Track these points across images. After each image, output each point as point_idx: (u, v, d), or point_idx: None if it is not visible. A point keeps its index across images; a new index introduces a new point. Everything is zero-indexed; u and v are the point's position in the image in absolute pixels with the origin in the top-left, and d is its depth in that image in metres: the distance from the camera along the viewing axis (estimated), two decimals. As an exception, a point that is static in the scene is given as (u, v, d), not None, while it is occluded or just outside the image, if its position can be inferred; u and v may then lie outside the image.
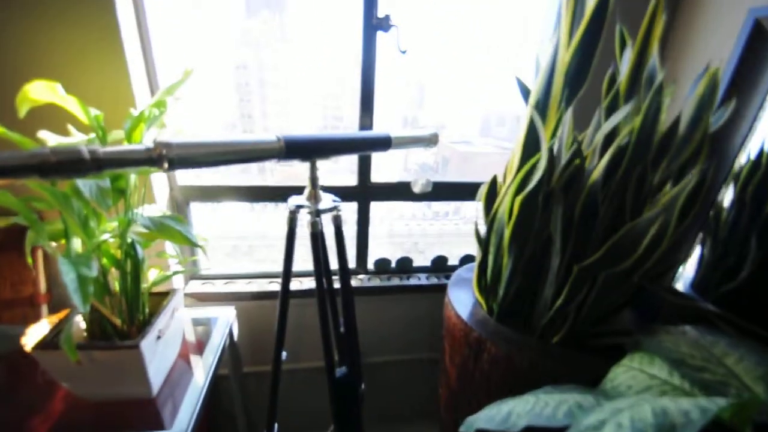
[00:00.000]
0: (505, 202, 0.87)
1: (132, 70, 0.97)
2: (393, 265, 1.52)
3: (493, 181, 0.99)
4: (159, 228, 0.74)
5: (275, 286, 1.37)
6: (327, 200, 0.79)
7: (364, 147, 0.76)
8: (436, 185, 1.38)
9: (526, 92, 0.90)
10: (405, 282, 1.46)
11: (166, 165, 0.49)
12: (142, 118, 0.71)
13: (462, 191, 1.49)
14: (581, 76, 0.79)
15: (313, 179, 0.76)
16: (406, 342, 1.55)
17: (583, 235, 0.81)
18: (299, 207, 0.79)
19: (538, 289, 0.90)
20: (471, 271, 1.20)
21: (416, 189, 0.94)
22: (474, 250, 1.59)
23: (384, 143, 0.77)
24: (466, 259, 1.62)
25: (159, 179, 1.14)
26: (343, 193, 1.23)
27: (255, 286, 1.35)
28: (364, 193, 1.36)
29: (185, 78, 0.76)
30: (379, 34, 1.13)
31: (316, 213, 0.78)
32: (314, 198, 0.77)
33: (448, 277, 1.53)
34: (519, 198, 0.80)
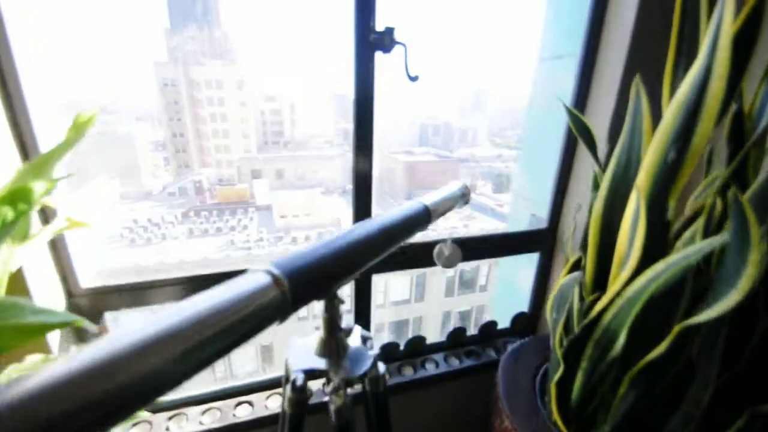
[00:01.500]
0: (618, 302, 0.64)
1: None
2: (402, 347, 1.25)
3: (576, 263, 0.79)
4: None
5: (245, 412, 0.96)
6: (360, 357, 0.49)
7: (403, 233, 0.53)
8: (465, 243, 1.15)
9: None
10: (424, 373, 1.14)
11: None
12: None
13: (500, 245, 1.25)
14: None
15: (332, 321, 0.49)
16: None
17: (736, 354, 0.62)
18: (309, 374, 0.49)
19: (663, 425, 0.67)
20: (526, 353, 0.96)
21: (441, 262, 0.72)
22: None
23: (423, 219, 0.57)
24: (519, 326, 1.34)
25: (40, 276, 0.77)
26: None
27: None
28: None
29: (80, 132, 0.49)
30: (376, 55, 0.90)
31: (344, 384, 0.49)
32: (336, 357, 0.49)
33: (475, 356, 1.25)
34: (645, 294, 0.58)
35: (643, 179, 0.61)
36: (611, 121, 1.08)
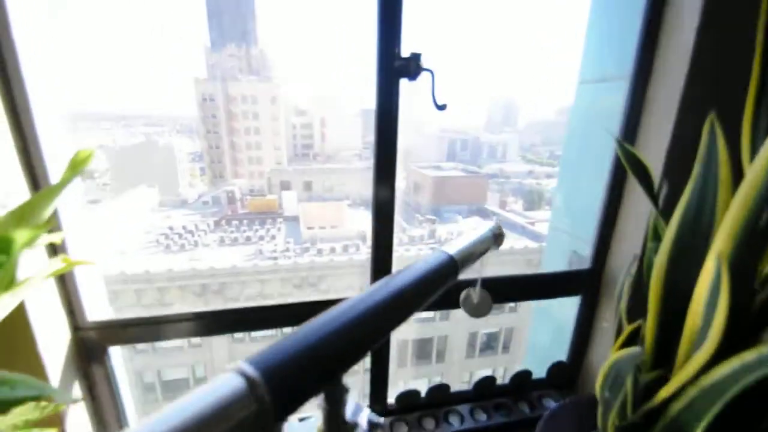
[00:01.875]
0: (690, 392, 0.51)
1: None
2: (423, 395, 1.12)
3: (634, 333, 0.67)
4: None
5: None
6: None
7: (424, 295, 0.45)
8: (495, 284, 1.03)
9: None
10: (447, 429, 1.04)
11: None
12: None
13: (537, 287, 1.15)
14: None
15: (334, 413, 0.38)
16: None
17: None
18: None
19: None
20: (567, 419, 0.83)
21: (468, 309, 0.65)
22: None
23: (449, 272, 0.49)
24: (556, 378, 1.20)
25: (44, 311, 0.74)
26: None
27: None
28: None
29: (77, 171, 0.45)
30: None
31: None
32: None
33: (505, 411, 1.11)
34: (731, 390, 0.46)
35: (724, 243, 0.50)
36: (666, 157, 0.94)
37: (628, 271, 0.85)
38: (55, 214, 0.74)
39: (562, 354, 1.26)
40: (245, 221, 20.58)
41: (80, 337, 0.84)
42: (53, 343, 0.76)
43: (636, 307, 0.73)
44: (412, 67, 0.81)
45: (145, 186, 25.18)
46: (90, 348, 0.85)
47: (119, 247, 16.44)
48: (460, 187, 23.25)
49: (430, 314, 16.78)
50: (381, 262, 1.00)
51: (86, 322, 0.84)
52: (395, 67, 0.82)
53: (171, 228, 18.95)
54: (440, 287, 0.48)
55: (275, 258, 15.07)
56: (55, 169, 0.75)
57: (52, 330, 0.77)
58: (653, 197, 0.73)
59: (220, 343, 13.91)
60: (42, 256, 0.74)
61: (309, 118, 70.28)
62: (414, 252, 15.13)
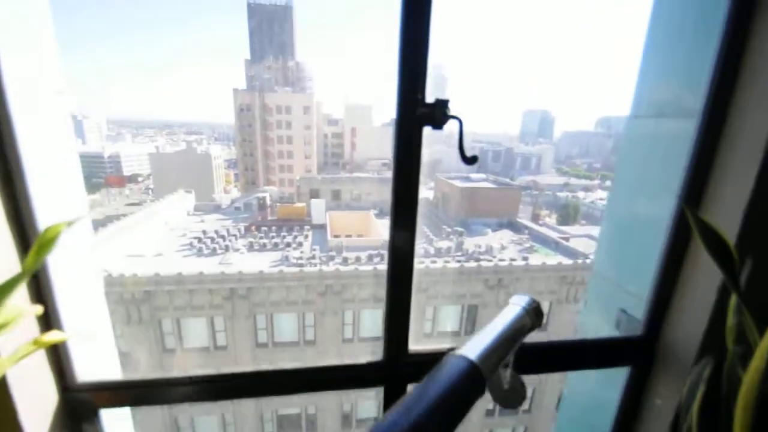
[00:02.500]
0: None
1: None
2: None
3: None
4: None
5: None
6: None
7: (443, 421, 0.37)
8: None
9: None
10: None
11: None
12: None
13: (578, 355, 0.99)
14: None
15: None
16: None
17: None
18: None
19: None
20: None
21: (496, 397, 0.51)
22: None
23: (472, 384, 0.40)
24: None
25: (28, 374, 0.68)
26: (358, 376, 0.76)
27: None
28: (398, 373, 0.83)
29: (43, 255, 0.44)
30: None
31: None
32: None
33: None
34: None
35: None
36: (744, 220, 0.74)
37: (700, 377, 0.66)
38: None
39: (602, 430, 1.07)
40: (274, 228, 21.08)
41: (69, 399, 0.77)
42: (37, 406, 0.68)
43: (710, 421, 0.57)
44: (438, 115, 0.74)
45: (183, 191, 26.45)
46: (80, 410, 0.77)
47: (156, 249, 17.26)
48: (491, 199, 22.69)
49: (456, 327, 16.35)
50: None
51: (76, 383, 0.77)
52: (418, 114, 0.75)
53: (204, 232, 19.71)
54: (465, 408, 0.38)
55: (301, 265, 15.24)
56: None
57: (37, 393, 0.70)
58: (733, 280, 0.58)
59: (244, 348, 14.19)
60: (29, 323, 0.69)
61: (340, 128, 71.77)
62: (440, 264, 14.83)
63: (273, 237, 19.20)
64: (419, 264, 15.75)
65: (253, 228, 20.87)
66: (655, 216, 0.97)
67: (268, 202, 25.19)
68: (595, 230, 29.17)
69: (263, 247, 18.29)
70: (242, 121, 57.95)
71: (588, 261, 15.86)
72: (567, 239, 19.22)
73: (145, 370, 13.46)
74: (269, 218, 23.27)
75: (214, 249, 17.50)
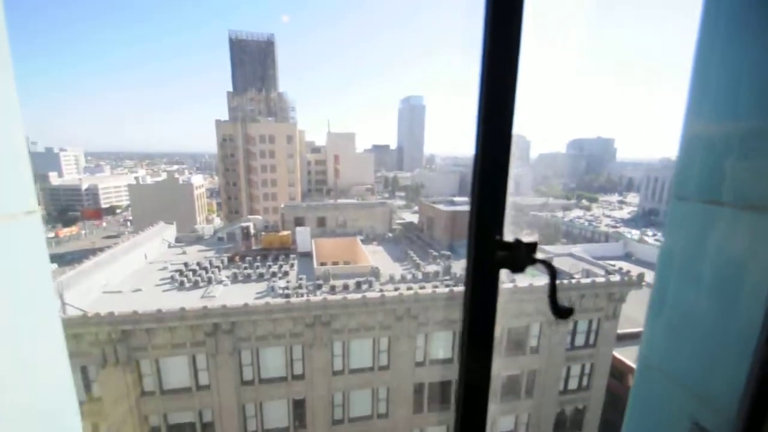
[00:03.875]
0: None
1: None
2: None
3: None
4: None
5: None
6: None
7: None
8: None
9: None
10: None
11: None
12: None
13: None
14: None
15: None
16: None
17: None
18: None
19: None
20: None
21: None
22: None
23: None
24: None
25: None
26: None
27: None
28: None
29: None
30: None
31: None
32: None
33: None
34: None
35: None
36: None
37: None
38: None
39: None
40: (259, 257, 20.61)
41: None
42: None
43: None
44: (521, 259, 0.63)
45: (163, 222, 25.78)
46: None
47: (135, 283, 16.53)
48: (475, 222, 22.96)
49: (448, 354, 15.97)
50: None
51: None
52: (496, 258, 0.65)
53: (186, 264, 19.09)
54: None
55: (288, 296, 14.82)
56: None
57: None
58: None
59: (228, 386, 13.45)
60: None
61: (323, 155, 72.49)
62: (429, 290, 14.68)
63: (258, 267, 18.74)
64: (407, 290, 15.40)
65: (236, 258, 20.35)
66: (728, 309, 0.81)
67: (252, 231, 24.79)
68: (575, 248, 29.61)
69: (248, 278, 17.77)
70: (225, 151, 57.72)
71: (573, 281, 16.02)
72: (551, 258, 19.49)
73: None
74: (254, 247, 22.81)
75: (196, 282, 16.89)
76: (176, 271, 18.21)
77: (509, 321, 15.77)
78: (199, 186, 77.45)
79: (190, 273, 17.69)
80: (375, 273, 17.46)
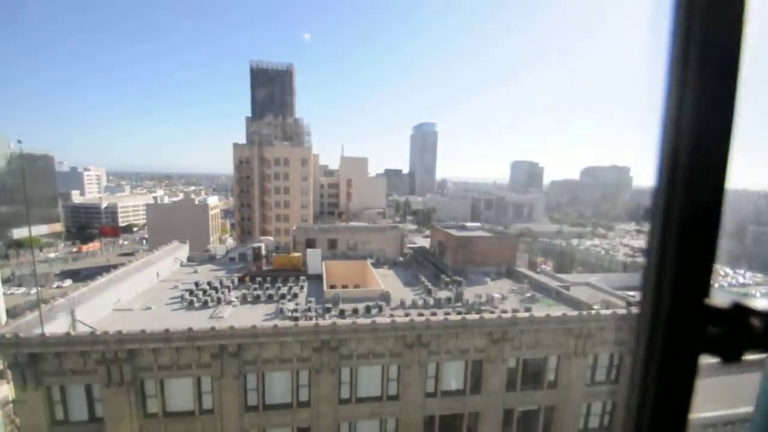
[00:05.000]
0: None
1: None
2: None
3: None
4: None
5: None
6: None
7: None
8: None
9: None
10: None
11: None
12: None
13: None
14: None
15: None
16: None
17: None
18: None
19: None
20: None
21: None
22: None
23: None
24: None
25: None
26: None
27: None
28: None
29: None
30: None
31: None
32: None
33: None
34: None
35: None
36: None
37: None
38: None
39: None
40: (269, 278, 20.52)
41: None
42: None
43: None
44: (738, 343, 0.44)
45: (177, 242, 26.12)
46: None
47: (146, 301, 16.55)
48: (488, 247, 22.53)
49: (460, 386, 15.21)
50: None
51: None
52: (704, 337, 0.45)
53: (197, 284, 19.10)
54: None
55: (296, 318, 14.57)
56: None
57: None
58: None
59: (232, 412, 13.05)
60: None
61: (336, 179, 73.43)
62: (441, 316, 14.25)
63: (267, 288, 18.60)
64: (418, 316, 15.07)
65: (247, 279, 20.30)
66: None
67: (264, 252, 24.85)
68: (592, 277, 28.62)
69: (257, 299, 17.61)
70: (241, 173, 59.11)
71: (593, 312, 15.36)
72: (567, 288, 18.83)
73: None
74: (264, 268, 22.78)
75: (206, 302, 16.82)
76: (186, 290, 18.21)
77: (527, 353, 15.08)
78: (215, 206, 78.87)
79: (200, 292, 17.66)
80: (385, 297, 17.12)
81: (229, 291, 18.72)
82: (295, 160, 59.37)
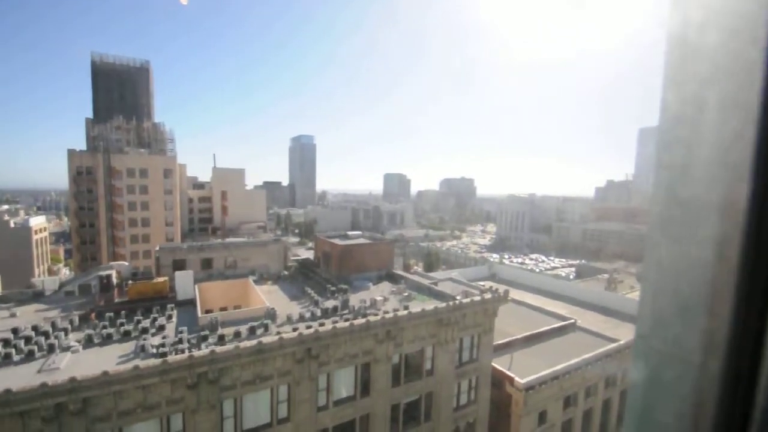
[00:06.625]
0: None
1: None
2: None
3: None
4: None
5: None
6: None
7: None
8: None
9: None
10: None
11: None
12: None
13: None
14: None
15: None
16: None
17: None
18: None
19: None
20: None
21: None
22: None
23: None
24: None
25: None
26: None
27: None
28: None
29: None
30: None
31: None
32: None
33: None
34: None
35: None
36: None
37: None
38: None
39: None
40: (123, 312, 17.25)
41: None
42: None
43: None
44: None
45: (-20, 279, 19.65)
46: None
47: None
48: (370, 253, 23.71)
49: (351, 392, 15.49)
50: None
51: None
52: None
53: (15, 331, 14.80)
54: None
55: (164, 354, 12.67)
56: None
57: None
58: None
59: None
60: None
61: (208, 192, 66.21)
62: (329, 326, 14.36)
63: (122, 324, 15.63)
64: (306, 329, 14.98)
65: (93, 316, 16.67)
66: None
67: (115, 280, 20.80)
68: (453, 272, 33.23)
69: (108, 339, 14.63)
70: (80, 186, 48.32)
71: (456, 302, 17.63)
72: (436, 284, 21.19)
73: None
74: (117, 300, 19.07)
75: (31, 352, 13.18)
76: (0, 340, 13.98)
77: (407, 348, 16.34)
78: (41, 229, 62.25)
79: (21, 341, 13.76)
80: (271, 315, 16.34)
81: (66, 334, 15.16)
82: (156, 170, 51.52)
